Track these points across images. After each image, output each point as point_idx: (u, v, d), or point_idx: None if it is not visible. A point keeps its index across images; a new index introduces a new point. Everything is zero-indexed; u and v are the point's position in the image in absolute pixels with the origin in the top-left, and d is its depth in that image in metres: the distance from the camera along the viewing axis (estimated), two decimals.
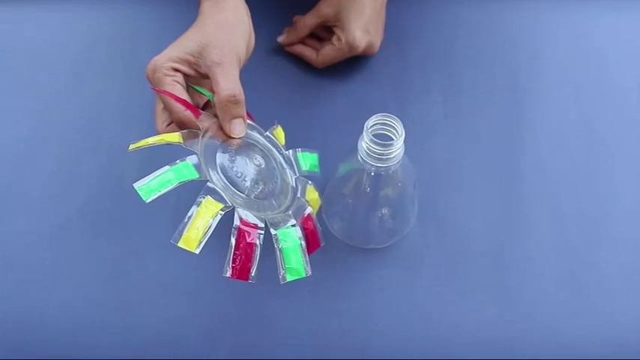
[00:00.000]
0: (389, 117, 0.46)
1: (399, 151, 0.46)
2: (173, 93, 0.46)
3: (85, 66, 0.66)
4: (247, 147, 0.48)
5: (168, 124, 0.49)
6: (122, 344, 0.53)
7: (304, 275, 0.42)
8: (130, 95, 0.64)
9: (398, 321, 0.53)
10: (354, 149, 0.48)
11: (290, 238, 0.43)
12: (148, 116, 0.62)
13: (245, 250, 0.41)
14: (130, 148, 0.43)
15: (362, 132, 0.46)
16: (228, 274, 0.40)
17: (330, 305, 0.54)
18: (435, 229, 0.57)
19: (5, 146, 0.62)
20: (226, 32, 0.49)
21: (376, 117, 0.46)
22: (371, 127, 0.46)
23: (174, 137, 0.44)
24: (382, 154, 0.46)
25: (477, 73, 0.66)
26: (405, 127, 0.46)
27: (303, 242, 0.43)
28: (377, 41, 0.63)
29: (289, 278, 0.42)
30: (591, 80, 0.66)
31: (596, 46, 0.68)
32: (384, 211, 0.53)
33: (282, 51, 0.67)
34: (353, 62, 0.65)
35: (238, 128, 0.47)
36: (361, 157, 0.47)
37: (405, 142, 0.46)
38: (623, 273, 0.55)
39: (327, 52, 0.63)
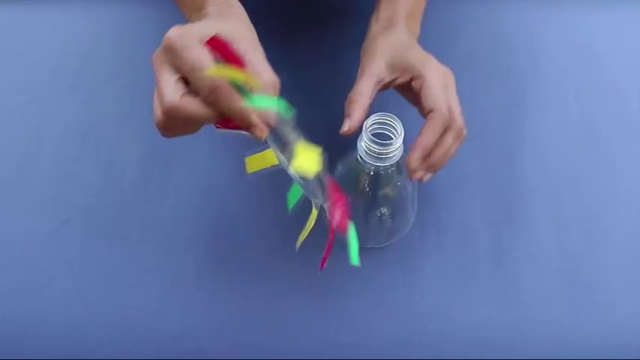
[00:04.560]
0: (388, 116, 0.46)
1: (398, 150, 0.46)
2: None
3: (84, 66, 0.66)
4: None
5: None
6: (122, 344, 0.53)
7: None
8: (130, 95, 0.64)
9: (397, 321, 0.53)
10: (353, 148, 0.48)
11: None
12: (147, 116, 0.63)
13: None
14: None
15: (361, 131, 0.46)
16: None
17: (329, 305, 0.54)
18: (434, 228, 0.57)
19: (5, 146, 0.62)
20: (248, 27, 0.44)
21: (375, 116, 0.46)
22: (370, 126, 0.46)
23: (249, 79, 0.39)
24: (381, 154, 0.46)
25: (477, 72, 0.66)
26: (404, 127, 0.46)
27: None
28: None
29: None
30: (591, 79, 0.66)
31: (595, 46, 0.68)
32: (384, 210, 0.53)
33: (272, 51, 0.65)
34: (351, 62, 0.65)
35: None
36: (360, 157, 0.47)
37: (404, 141, 0.46)
38: (624, 272, 0.55)
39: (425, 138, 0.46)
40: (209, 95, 0.38)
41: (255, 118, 0.39)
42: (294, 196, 0.44)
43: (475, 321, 0.53)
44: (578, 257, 0.56)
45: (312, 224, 0.45)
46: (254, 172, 0.42)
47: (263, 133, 0.39)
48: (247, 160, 0.42)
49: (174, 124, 0.40)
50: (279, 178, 0.57)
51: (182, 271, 0.55)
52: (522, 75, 0.66)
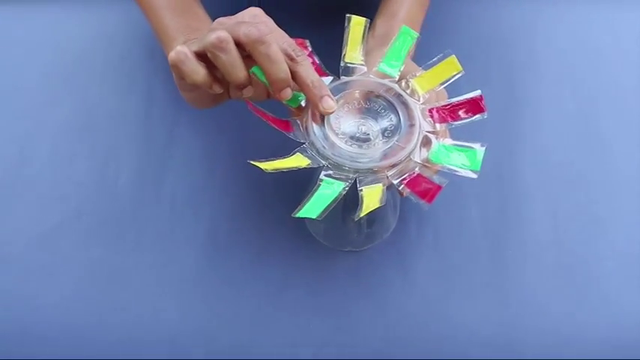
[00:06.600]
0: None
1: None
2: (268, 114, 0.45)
3: (79, 67, 0.66)
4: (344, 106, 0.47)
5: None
6: (119, 344, 0.53)
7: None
8: (124, 95, 0.65)
9: (395, 319, 0.53)
10: None
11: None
12: (142, 117, 0.63)
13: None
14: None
15: None
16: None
17: (328, 304, 0.54)
18: (432, 226, 0.57)
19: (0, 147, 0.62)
20: None
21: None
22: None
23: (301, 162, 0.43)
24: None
25: (474, 69, 0.64)
26: None
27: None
28: None
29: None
30: (588, 76, 0.65)
31: (593, 43, 0.67)
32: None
33: None
34: None
35: (330, 102, 0.45)
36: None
37: None
38: (622, 271, 0.55)
39: None
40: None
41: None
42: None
43: (473, 319, 0.53)
44: (575, 255, 0.55)
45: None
46: (272, 171, 0.42)
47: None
48: (263, 165, 0.41)
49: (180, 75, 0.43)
50: (278, 177, 0.58)
51: (180, 270, 0.55)
52: (520, 72, 0.65)
